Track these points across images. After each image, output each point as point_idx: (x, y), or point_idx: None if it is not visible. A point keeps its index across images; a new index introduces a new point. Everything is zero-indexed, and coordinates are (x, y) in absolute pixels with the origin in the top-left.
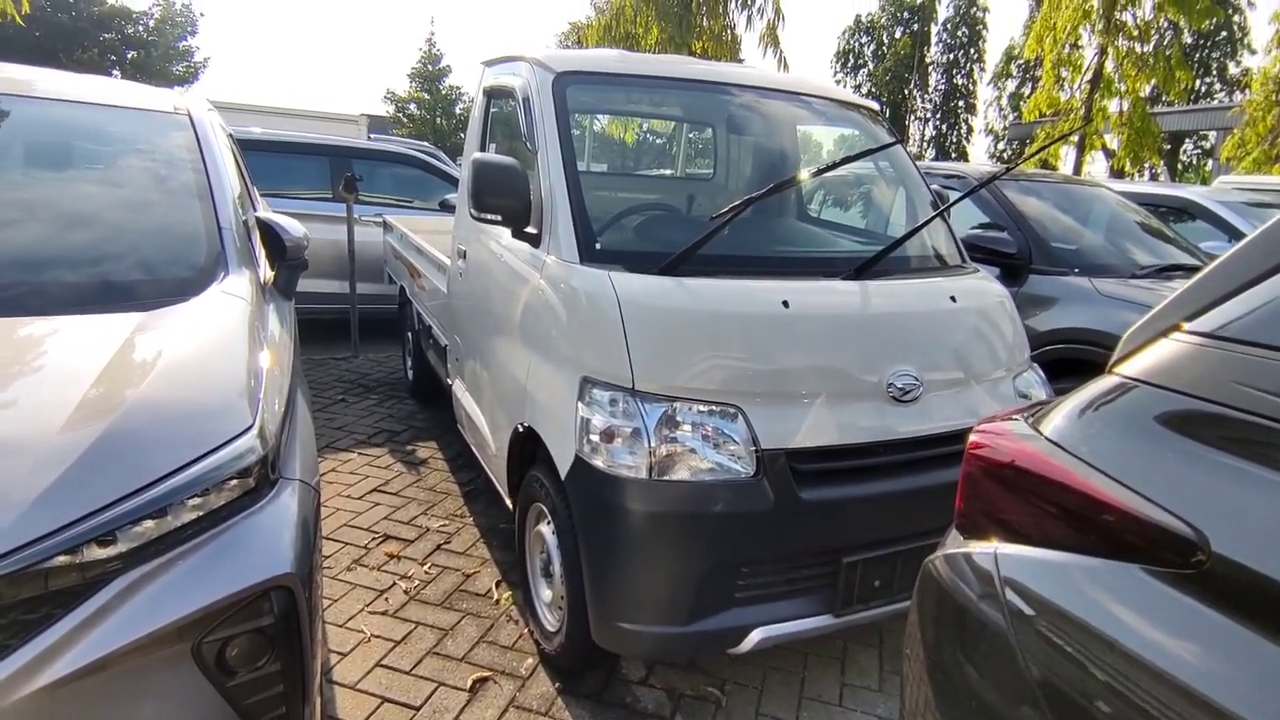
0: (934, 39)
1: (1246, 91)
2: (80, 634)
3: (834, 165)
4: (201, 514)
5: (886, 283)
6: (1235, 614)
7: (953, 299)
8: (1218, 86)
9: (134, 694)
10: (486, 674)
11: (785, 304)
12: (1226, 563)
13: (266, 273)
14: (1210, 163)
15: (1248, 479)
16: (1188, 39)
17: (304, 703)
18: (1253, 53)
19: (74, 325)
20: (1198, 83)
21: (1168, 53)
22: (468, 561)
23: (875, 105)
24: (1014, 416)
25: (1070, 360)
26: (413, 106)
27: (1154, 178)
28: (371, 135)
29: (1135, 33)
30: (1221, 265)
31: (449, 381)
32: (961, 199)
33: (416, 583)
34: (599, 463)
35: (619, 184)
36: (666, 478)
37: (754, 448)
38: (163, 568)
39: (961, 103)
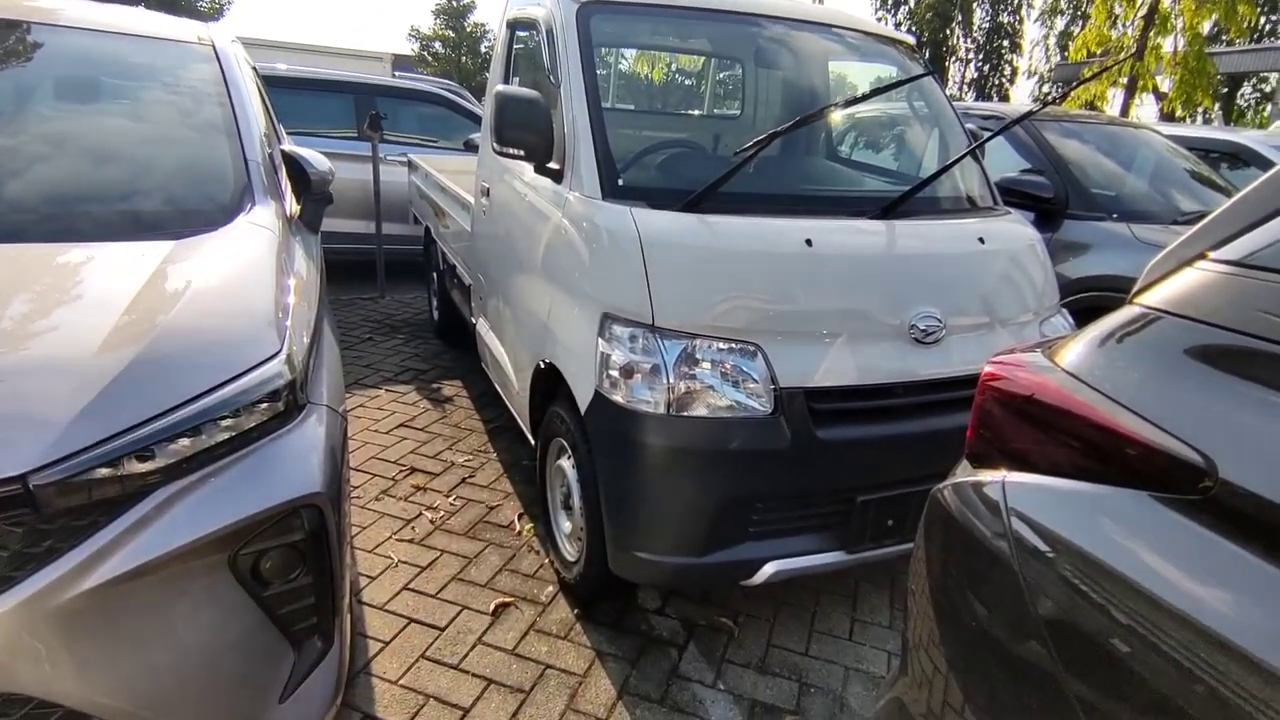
0: None
1: None
2: (123, 541)
3: (861, 98)
4: (234, 434)
5: (913, 223)
6: (1241, 540)
7: (981, 240)
8: None
9: (176, 599)
10: (508, 599)
11: (808, 242)
12: (1233, 489)
13: (292, 206)
14: (1270, 107)
15: (1263, 407)
16: None
17: (334, 615)
18: None
19: (107, 253)
20: (1262, 19)
21: None
22: (491, 495)
23: (911, 39)
24: (1030, 349)
25: (1103, 308)
26: (438, 45)
27: (1207, 122)
28: (397, 73)
29: None
30: (1249, 193)
31: (473, 321)
32: (993, 136)
33: (442, 513)
34: (618, 398)
35: (644, 121)
36: (684, 414)
37: (772, 386)
38: (199, 483)
39: (1006, 42)
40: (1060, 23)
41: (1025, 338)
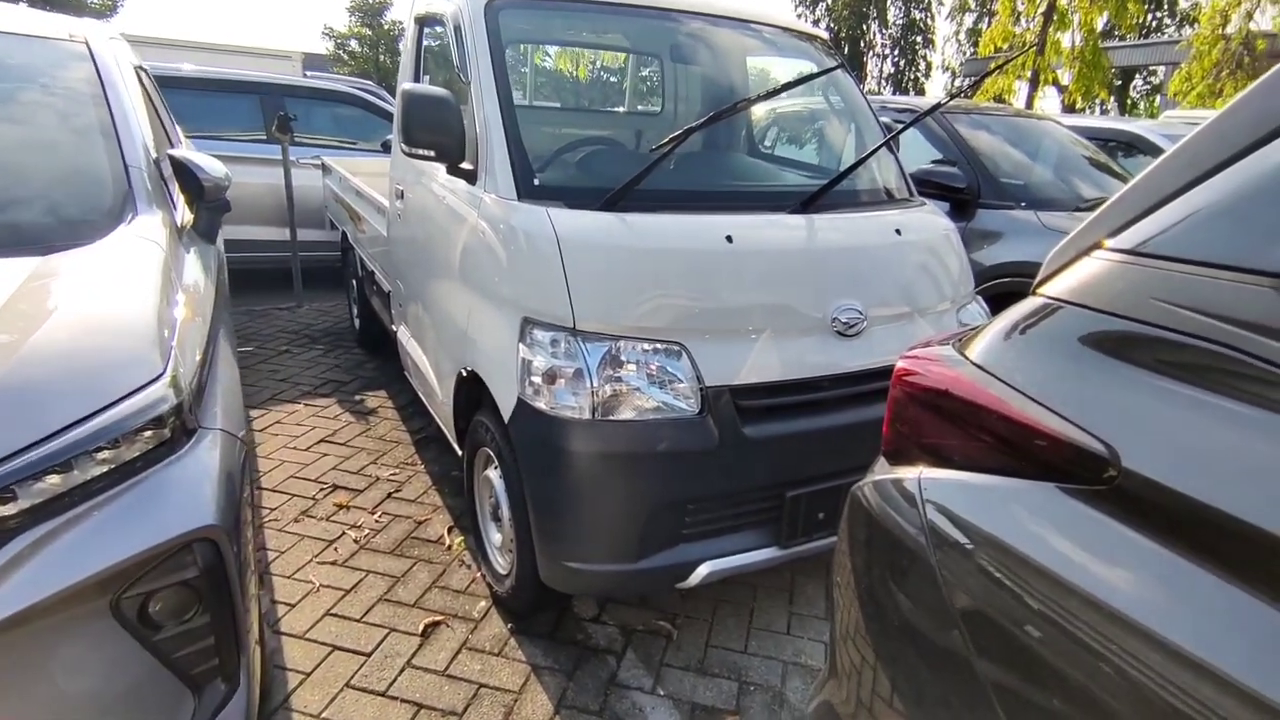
0: None
1: (1195, 26)
2: None
3: (775, 91)
4: (112, 466)
5: (832, 216)
6: (1145, 529)
7: (898, 232)
8: (1168, 21)
9: (54, 650)
10: (439, 618)
11: (729, 239)
12: (1137, 478)
13: (185, 214)
14: (1159, 98)
15: (1162, 395)
16: None
17: (239, 654)
18: None
19: None
20: (1148, 16)
21: None
22: (419, 509)
23: (825, 35)
24: (942, 342)
25: (1016, 294)
26: (354, 43)
27: (1104, 112)
28: (308, 73)
29: None
30: (1139, 182)
31: (393, 328)
32: (905, 129)
33: (366, 532)
34: (542, 404)
35: (562, 119)
36: (610, 418)
37: (698, 385)
38: (73, 522)
39: (920, 38)
40: (969, 19)
41: (944, 326)
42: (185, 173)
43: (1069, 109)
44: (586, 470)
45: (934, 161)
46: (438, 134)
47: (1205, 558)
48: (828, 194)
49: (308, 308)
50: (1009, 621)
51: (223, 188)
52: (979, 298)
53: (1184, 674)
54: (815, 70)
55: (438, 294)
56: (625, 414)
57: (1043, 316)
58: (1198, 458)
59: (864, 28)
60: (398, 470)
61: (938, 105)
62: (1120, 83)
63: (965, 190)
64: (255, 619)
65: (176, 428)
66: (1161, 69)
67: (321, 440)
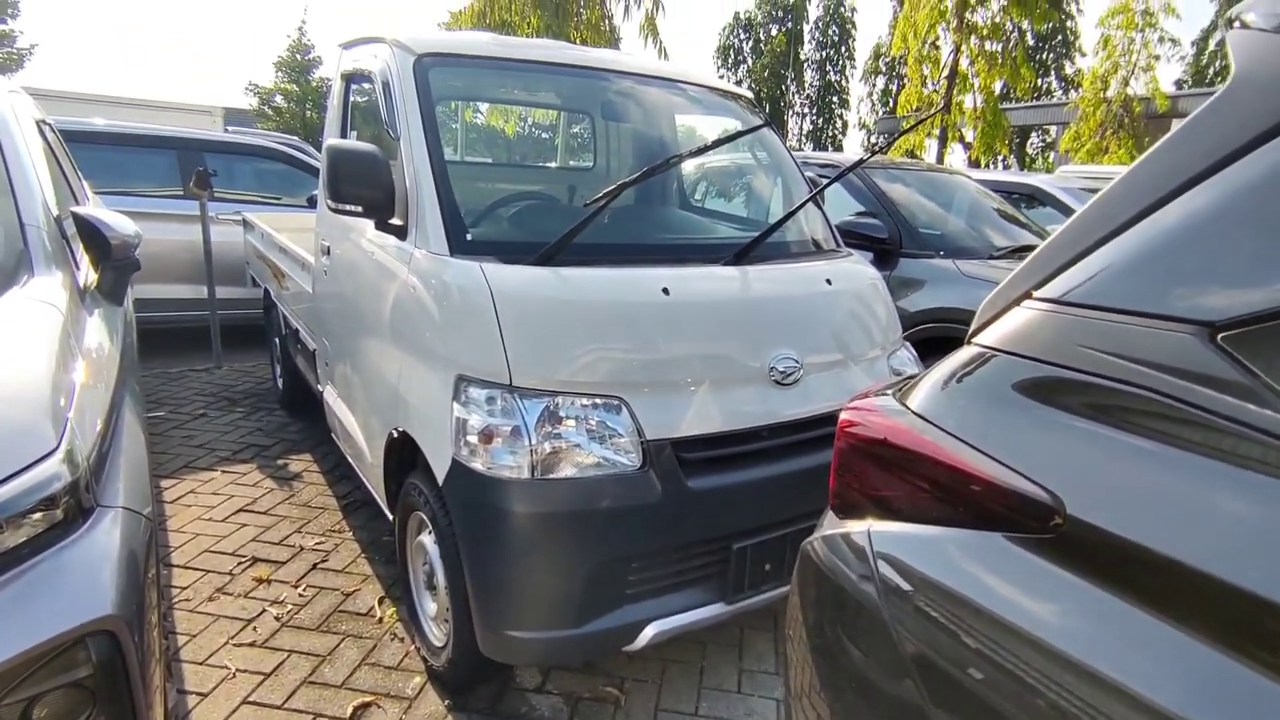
0: (808, 36)
1: (1079, 90)
2: None
3: (707, 148)
4: None
5: (765, 267)
6: (1092, 576)
7: (829, 282)
8: (1056, 85)
9: None
10: (369, 699)
11: (665, 291)
12: (1082, 525)
13: (90, 275)
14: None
15: (1097, 440)
16: (1030, 41)
17: None
18: (1083, 55)
19: None
20: (1040, 81)
21: (1013, 53)
22: (347, 580)
23: (750, 94)
24: (883, 392)
25: (939, 338)
26: (279, 99)
27: (1006, 167)
28: (229, 128)
29: (985, 32)
30: (1063, 234)
31: (319, 388)
32: (831, 183)
33: (289, 607)
34: (478, 465)
35: (494, 174)
36: (550, 476)
37: (639, 439)
38: None
39: (835, 98)
40: (880, 81)
41: (877, 372)
42: (90, 231)
43: (973, 164)
44: (527, 532)
45: (856, 214)
46: (365, 189)
47: (1152, 603)
48: (760, 246)
49: (227, 368)
50: (963, 674)
51: (131, 246)
52: (907, 343)
53: None
54: (742, 127)
55: (367, 352)
56: (565, 471)
57: (978, 365)
58: (1137, 502)
59: (783, 88)
60: (323, 538)
61: (861, 160)
62: (1018, 140)
63: (888, 240)
64: (160, 716)
65: (71, 507)
66: (1054, 128)
67: (240, 510)
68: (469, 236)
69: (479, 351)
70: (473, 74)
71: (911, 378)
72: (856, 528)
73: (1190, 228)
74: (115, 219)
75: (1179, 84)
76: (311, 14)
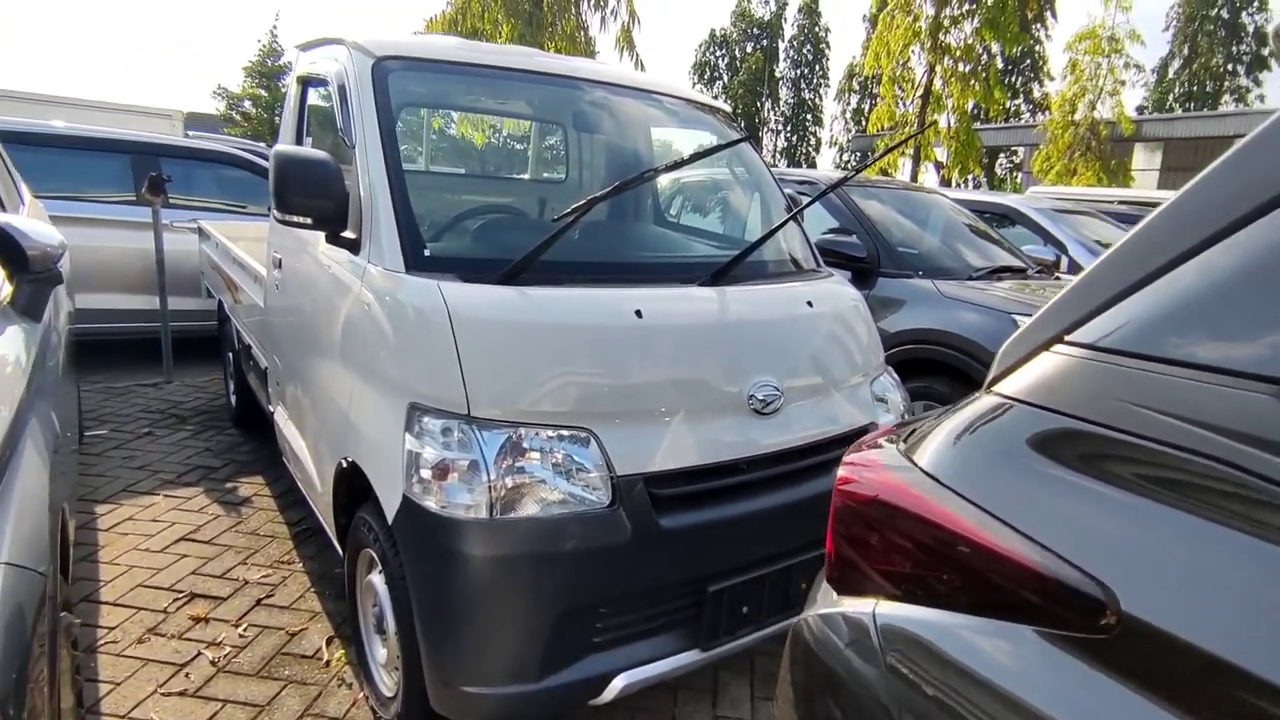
0: (782, 55)
1: (1048, 113)
2: None
3: (683, 162)
4: None
5: (743, 288)
6: (1156, 692)
7: (809, 304)
8: (1024, 107)
9: None
10: None
11: (638, 313)
12: (1140, 625)
13: (4, 289)
14: (1020, 175)
15: (1156, 519)
16: (999, 64)
17: None
18: (1050, 79)
19: None
20: (1008, 103)
21: (984, 74)
22: (293, 617)
23: (728, 107)
24: (882, 440)
25: (918, 359)
26: (248, 104)
27: (977, 187)
28: (190, 132)
29: (959, 53)
30: (1103, 267)
31: (270, 409)
32: (813, 201)
33: (227, 650)
34: (431, 504)
35: (459, 186)
36: (510, 515)
37: (609, 474)
38: None
39: (809, 116)
40: (854, 100)
41: (860, 399)
42: (4, 240)
43: (944, 183)
44: (484, 577)
45: (831, 231)
46: (315, 199)
47: None
48: (738, 265)
49: (178, 383)
50: None
51: (52, 257)
52: (889, 368)
53: None
54: (718, 140)
55: (317, 373)
56: (527, 510)
57: (999, 418)
58: (1213, 602)
59: (758, 105)
60: (270, 571)
61: (846, 177)
62: (988, 160)
63: (866, 259)
64: None
65: None
66: (1021, 149)
67: (181, 539)
68: (427, 252)
69: (434, 378)
70: (437, 79)
71: (916, 422)
72: (858, 608)
73: (1271, 262)
74: (35, 227)
75: (1140, 109)
76: (284, 19)
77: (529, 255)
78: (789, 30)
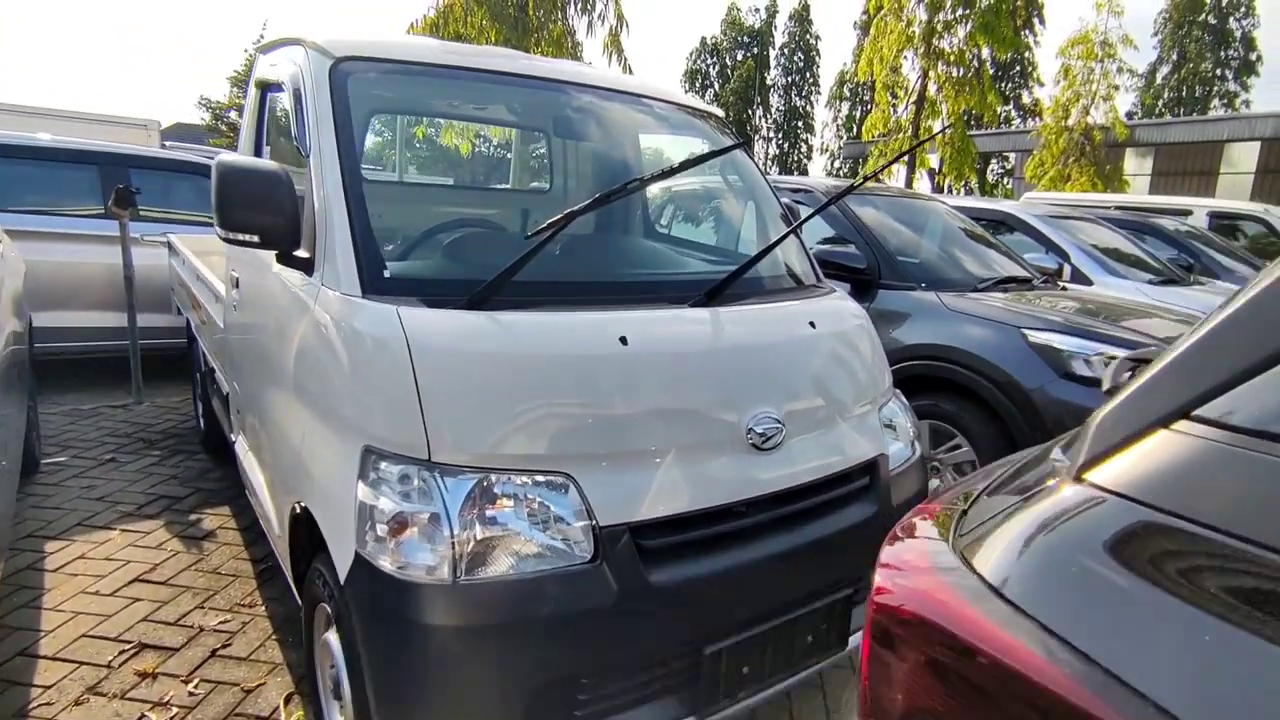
0: (773, 63)
1: (1039, 119)
2: None
3: (672, 171)
4: None
5: (740, 308)
6: None
7: (812, 324)
8: (1014, 113)
9: None
10: None
11: (623, 340)
12: None
13: None
14: (1010, 180)
15: None
16: (990, 70)
17: None
18: (1040, 84)
19: None
20: (1000, 108)
21: (979, 79)
22: (250, 670)
23: (720, 112)
24: (928, 527)
25: (921, 376)
26: (233, 114)
27: (969, 193)
28: (167, 143)
29: (952, 58)
30: (1239, 316)
31: (232, 437)
32: (817, 213)
33: (174, 712)
34: (386, 564)
35: (428, 197)
36: (478, 577)
37: (591, 525)
38: None
39: (801, 123)
40: (845, 107)
41: (868, 427)
42: None
43: (938, 190)
44: (447, 651)
45: (826, 240)
46: (262, 215)
47: None
48: (734, 283)
49: (148, 404)
50: None
51: None
52: (898, 392)
53: None
54: (710, 146)
55: (273, 405)
56: (497, 570)
57: (1092, 517)
58: None
59: (750, 112)
60: (229, 615)
61: (853, 186)
62: (980, 167)
63: (866, 271)
64: None
65: None
66: (1013, 155)
67: (135, 580)
68: (387, 273)
69: (391, 418)
70: (404, 83)
71: (965, 499)
72: None
73: None
74: None
75: (1130, 114)
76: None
77: (501, 275)
78: (779, 38)
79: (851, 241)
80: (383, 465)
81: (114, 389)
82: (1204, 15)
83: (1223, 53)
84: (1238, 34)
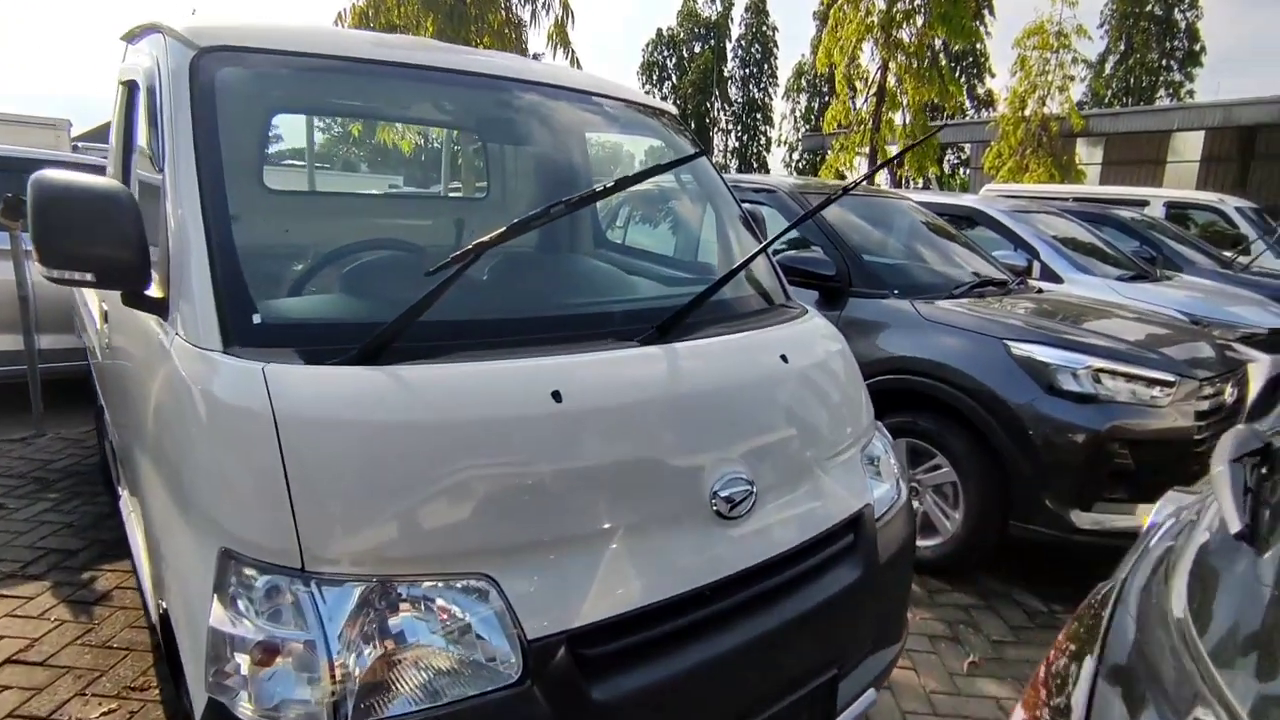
0: (730, 54)
1: (994, 109)
2: None
3: (617, 187)
4: None
5: (699, 343)
6: None
7: (783, 357)
8: (969, 104)
9: None
10: None
11: (556, 396)
12: None
13: None
14: (965, 171)
15: None
16: (944, 61)
17: None
18: (993, 75)
19: None
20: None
21: (937, 71)
22: None
23: (675, 110)
24: None
25: (897, 390)
26: None
27: (926, 186)
28: (79, 145)
29: (911, 49)
30: None
31: (120, 489)
32: (795, 225)
33: None
34: (245, 710)
35: (327, 211)
36: (371, 718)
37: (518, 638)
38: None
39: (759, 115)
40: (803, 99)
41: (850, 472)
42: None
43: (898, 184)
44: None
45: (791, 243)
46: (98, 246)
47: None
48: (694, 312)
49: (50, 436)
50: None
51: None
52: (880, 425)
53: None
54: (666, 147)
55: (142, 472)
56: (396, 706)
57: None
58: None
59: (708, 105)
60: (115, 704)
61: (847, 189)
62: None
63: (835, 277)
64: None
65: None
66: (969, 146)
67: (7, 660)
68: (257, 318)
69: (254, 512)
70: (288, 78)
71: None
72: None
73: None
74: None
75: (1080, 104)
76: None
77: (400, 319)
78: (736, 30)
79: (818, 245)
80: (246, 572)
81: (12, 420)
82: (1150, 6)
83: (1169, 44)
84: (1182, 25)
